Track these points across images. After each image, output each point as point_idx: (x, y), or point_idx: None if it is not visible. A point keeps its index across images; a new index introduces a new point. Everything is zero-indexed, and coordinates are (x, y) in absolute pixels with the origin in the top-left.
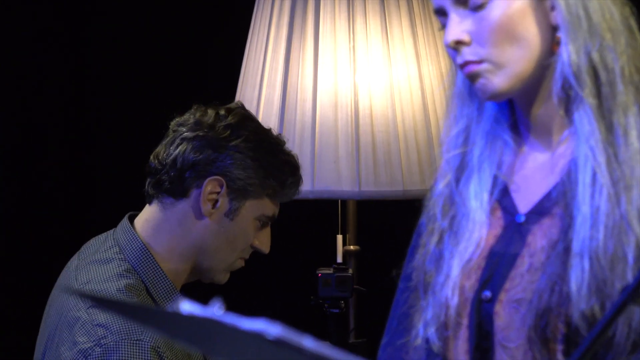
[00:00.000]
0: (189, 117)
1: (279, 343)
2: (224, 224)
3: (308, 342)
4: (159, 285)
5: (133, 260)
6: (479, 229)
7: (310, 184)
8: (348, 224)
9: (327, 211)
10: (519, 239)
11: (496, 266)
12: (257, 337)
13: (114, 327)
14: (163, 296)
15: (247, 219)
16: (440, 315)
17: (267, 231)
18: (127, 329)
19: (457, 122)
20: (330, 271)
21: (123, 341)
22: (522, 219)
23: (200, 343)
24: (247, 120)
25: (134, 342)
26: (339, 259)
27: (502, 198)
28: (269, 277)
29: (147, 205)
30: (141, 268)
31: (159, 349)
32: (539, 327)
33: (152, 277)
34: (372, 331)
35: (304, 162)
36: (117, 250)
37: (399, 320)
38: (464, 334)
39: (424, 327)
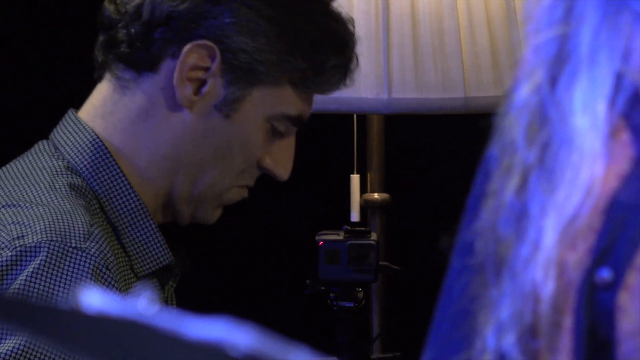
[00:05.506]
0: None
1: None
2: (214, 122)
3: None
4: (120, 198)
5: (76, 158)
6: (590, 164)
7: None
8: (370, 156)
9: (334, 135)
10: None
11: (620, 227)
12: (213, 353)
13: (38, 225)
14: (126, 217)
15: (253, 118)
16: (524, 314)
17: (288, 144)
18: (62, 229)
19: None
20: (340, 237)
21: (52, 244)
22: None
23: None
24: None
25: (71, 250)
26: (355, 216)
27: (632, 111)
28: (237, 247)
29: (96, 86)
30: (90, 172)
31: (104, 269)
32: None
33: (107, 184)
34: (411, 340)
35: None
36: (52, 149)
37: (452, 323)
38: (565, 343)
39: (496, 334)
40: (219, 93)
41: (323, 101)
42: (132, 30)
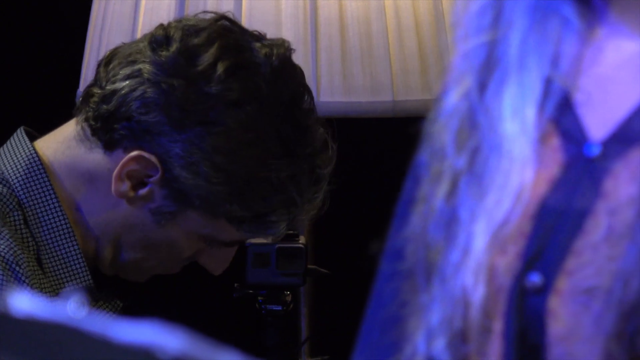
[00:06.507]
0: (179, 34)
1: None
2: (145, 221)
3: None
4: (46, 213)
5: (10, 169)
6: (520, 170)
7: None
8: None
9: None
10: (589, 186)
11: (550, 232)
12: (142, 356)
13: None
14: (49, 232)
15: (184, 232)
16: (454, 319)
17: (225, 251)
18: None
19: None
20: (268, 240)
21: None
22: (596, 150)
23: None
24: (257, 96)
25: None
26: None
27: (561, 116)
28: None
29: (69, 121)
30: (20, 183)
31: (14, 265)
32: (625, 336)
33: (35, 197)
34: (338, 343)
35: None
36: None
37: (382, 328)
38: (495, 348)
39: (426, 339)
40: (155, 200)
41: None
42: (102, 107)
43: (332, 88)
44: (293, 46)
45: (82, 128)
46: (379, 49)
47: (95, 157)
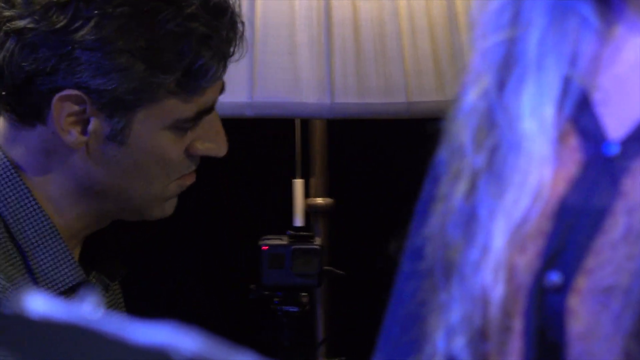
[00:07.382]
0: None
1: None
2: (112, 151)
3: None
4: (27, 220)
5: None
6: (538, 169)
7: (247, 93)
8: (313, 161)
9: (276, 140)
10: (608, 185)
11: (569, 231)
12: (157, 357)
13: None
14: (34, 238)
15: (148, 135)
16: (474, 317)
17: (209, 120)
18: None
19: None
20: (284, 241)
21: None
22: (615, 150)
23: None
24: None
25: None
26: (298, 221)
27: (580, 115)
28: (181, 252)
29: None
30: None
31: None
32: None
33: (14, 205)
34: (355, 344)
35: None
36: None
37: (402, 327)
38: (515, 346)
39: (446, 338)
40: (105, 127)
41: (265, 106)
42: (7, 88)
43: (346, 89)
44: (307, 47)
45: (9, 117)
46: (393, 50)
47: (37, 132)
